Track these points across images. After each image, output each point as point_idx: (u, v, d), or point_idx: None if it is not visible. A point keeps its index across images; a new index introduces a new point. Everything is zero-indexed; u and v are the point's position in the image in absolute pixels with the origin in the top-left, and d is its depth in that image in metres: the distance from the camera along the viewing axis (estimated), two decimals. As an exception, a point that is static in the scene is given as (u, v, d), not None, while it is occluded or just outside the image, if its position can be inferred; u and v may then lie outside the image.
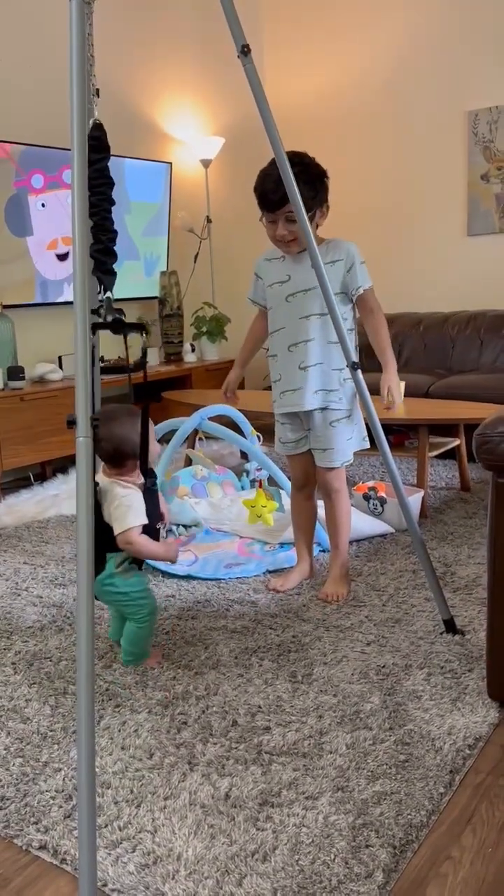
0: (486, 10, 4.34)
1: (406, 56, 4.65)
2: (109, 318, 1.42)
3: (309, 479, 2.46)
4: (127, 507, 1.87)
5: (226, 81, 4.94)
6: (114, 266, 1.55)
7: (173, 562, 2.05)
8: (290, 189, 1.85)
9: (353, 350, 2.12)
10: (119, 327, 1.48)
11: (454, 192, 4.61)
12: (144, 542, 1.90)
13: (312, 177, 2.11)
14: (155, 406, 4.29)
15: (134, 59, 4.64)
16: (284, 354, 2.31)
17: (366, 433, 2.40)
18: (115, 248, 1.56)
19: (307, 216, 1.99)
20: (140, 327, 1.57)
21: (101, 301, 1.46)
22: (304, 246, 2.15)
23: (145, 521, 1.89)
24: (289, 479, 2.87)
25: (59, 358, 4.04)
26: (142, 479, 1.92)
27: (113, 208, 1.57)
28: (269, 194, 2.11)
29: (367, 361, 2.30)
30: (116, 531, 1.87)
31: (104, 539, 1.84)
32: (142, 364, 1.71)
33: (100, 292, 1.50)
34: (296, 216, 1.92)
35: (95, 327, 1.44)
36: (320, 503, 2.55)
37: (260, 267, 2.36)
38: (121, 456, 1.90)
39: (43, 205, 4.03)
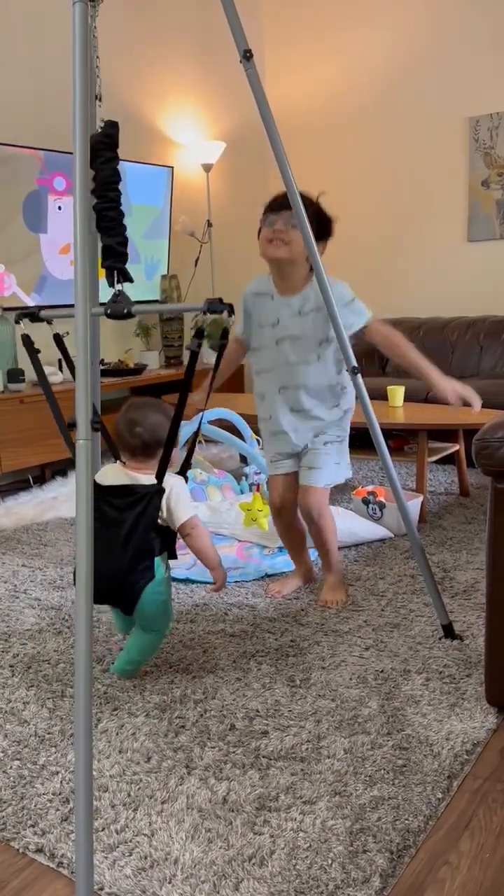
0: (486, 16, 4.35)
1: (407, 62, 4.66)
2: (127, 310, 1.39)
3: (289, 500, 2.37)
4: (185, 492, 1.82)
5: (227, 86, 4.95)
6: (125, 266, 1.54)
7: (219, 580, 1.95)
8: (293, 197, 1.85)
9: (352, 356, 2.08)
10: (218, 309, 1.46)
11: (455, 197, 4.62)
12: (208, 536, 1.87)
13: (317, 213, 2.11)
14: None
15: (136, 63, 4.65)
16: (275, 396, 2.29)
17: (348, 462, 2.38)
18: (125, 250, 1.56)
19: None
20: (228, 307, 1.52)
21: (118, 292, 1.42)
22: (291, 261, 2.13)
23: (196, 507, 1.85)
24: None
25: (59, 360, 4.04)
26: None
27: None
28: (279, 200, 2.10)
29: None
30: (182, 518, 1.81)
31: (144, 543, 1.77)
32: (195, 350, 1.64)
33: (119, 282, 1.46)
34: (299, 226, 1.92)
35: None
36: None
37: (249, 302, 2.30)
38: (155, 444, 1.81)
39: (60, 207, 4.04)
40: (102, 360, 4.27)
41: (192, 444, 2.14)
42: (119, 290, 1.42)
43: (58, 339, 1.80)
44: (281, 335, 2.23)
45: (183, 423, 1.80)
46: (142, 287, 4.76)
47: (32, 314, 1.66)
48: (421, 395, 3.91)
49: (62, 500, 3.58)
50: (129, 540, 1.76)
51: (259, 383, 2.35)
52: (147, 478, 1.80)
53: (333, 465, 2.31)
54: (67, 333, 1.81)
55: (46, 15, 3.97)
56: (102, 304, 1.38)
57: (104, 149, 1.53)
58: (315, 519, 2.30)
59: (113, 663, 2.00)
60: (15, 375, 3.72)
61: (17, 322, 1.72)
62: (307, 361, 2.22)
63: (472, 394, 2.19)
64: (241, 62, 1.72)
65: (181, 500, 1.82)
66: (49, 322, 1.68)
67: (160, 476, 1.79)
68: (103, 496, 1.75)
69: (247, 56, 1.71)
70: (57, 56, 3.96)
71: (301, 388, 2.25)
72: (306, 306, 2.18)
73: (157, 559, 1.82)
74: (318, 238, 2.10)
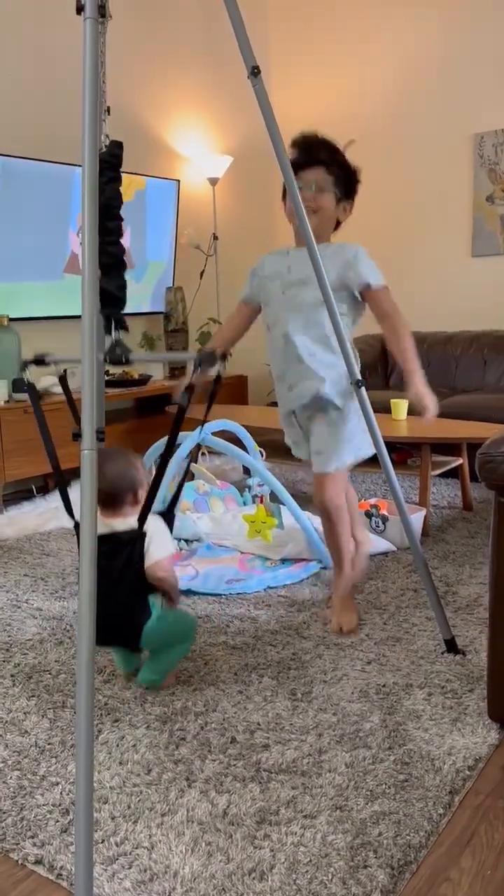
0: (492, 34, 4.39)
1: (413, 79, 4.70)
2: (125, 358, 1.45)
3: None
4: (161, 533, 1.84)
5: (234, 101, 4.99)
6: (121, 298, 1.58)
7: (175, 601, 1.96)
8: (297, 202, 1.86)
9: (356, 364, 2.05)
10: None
11: (459, 213, 4.65)
12: (174, 571, 1.89)
13: (349, 165, 2.12)
14: (157, 420, 4.32)
15: (144, 78, 4.70)
16: (280, 348, 2.19)
17: (371, 443, 2.18)
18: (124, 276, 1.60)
19: (336, 191, 2.10)
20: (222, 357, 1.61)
21: (116, 340, 1.48)
22: (320, 230, 2.10)
23: (174, 548, 1.87)
24: (292, 496, 2.89)
25: (65, 371, 4.06)
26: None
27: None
28: (307, 145, 2.09)
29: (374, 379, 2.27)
30: (153, 560, 1.82)
31: (135, 586, 1.80)
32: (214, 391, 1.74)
33: (117, 329, 1.52)
34: (324, 192, 1.99)
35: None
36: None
37: (261, 262, 2.26)
38: (119, 495, 1.85)
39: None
40: (107, 371, 4.29)
41: (194, 456, 2.15)
42: (117, 339, 1.46)
43: (63, 383, 1.86)
44: (291, 279, 2.15)
45: (184, 433, 1.81)
46: (147, 299, 4.78)
47: (39, 360, 1.72)
48: (424, 408, 3.92)
49: (65, 511, 3.57)
50: (120, 586, 1.79)
51: (270, 341, 2.24)
52: (122, 524, 1.84)
53: (344, 442, 2.16)
54: (73, 373, 1.86)
55: (52, 28, 4.01)
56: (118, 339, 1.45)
57: (108, 168, 1.55)
58: (328, 512, 2.21)
59: (115, 674, 2.00)
60: (19, 385, 3.74)
61: (22, 370, 1.77)
62: (316, 303, 2.04)
63: (430, 402, 2.15)
64: (248, 78, 1.74)
65: (154, 542, 1.83)
66: (56, 364, 1.73)
67: (141, 521, 1.81)
68: None
69: (255, 72, 1.73)
70: (56, 68, 4.00)
71: (305, 334, 2.12)
72: (322, 254, 1.97)
73: (151, 597, 1.86)
74: (347, 196, 2.14)
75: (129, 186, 4.47)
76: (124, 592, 1.81)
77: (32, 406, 1.80)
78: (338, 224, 2.22)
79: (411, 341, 2.13)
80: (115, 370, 4.50)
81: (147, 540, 1.83)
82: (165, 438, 1.86)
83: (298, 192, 1.97)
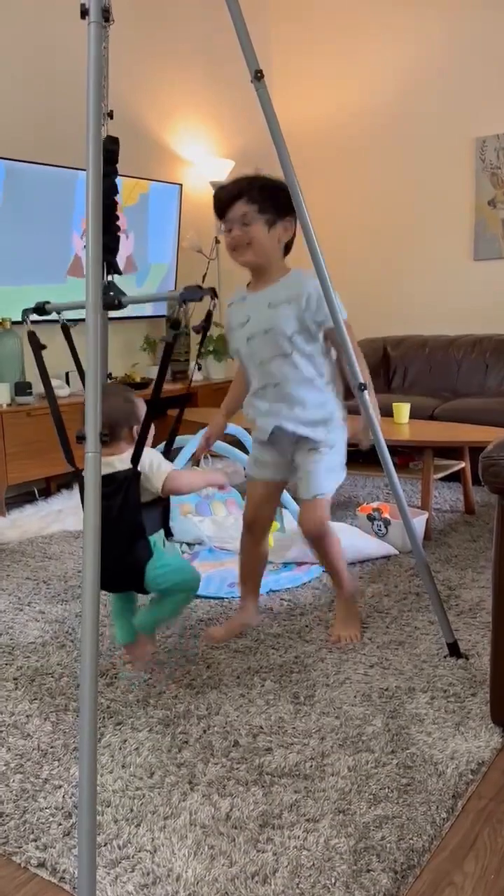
0: (494, 38, 4.40)
1: (414, 83, 4.71)
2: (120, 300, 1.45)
3: (260, 517, 2.26)
4: (156, 458, 1.86)
5: (236, 105, 5.01)
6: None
7: (222, 485, 2.03)
8: (299, 206, 1.86)
9: (358, 372, 1.99)
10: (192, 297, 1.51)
11: (461, 216, 4.65)
12: (186, 475, 1.91)
13: (267, 185, 1.98)
14: (160, 424, 4.31)
15: (146, 82, 4.71)
16: (252, 397, 2.15)
17: (343, 462, 2.18)
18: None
19: (263, 220, 1.98)
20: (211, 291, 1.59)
21: (108, 282, 1.49)
22: (260, 260, 2.03)
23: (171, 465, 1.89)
24: (293, 499, 2.88)
25: (67, 374, 4.06)
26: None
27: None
28: (219, 197, 2.02)
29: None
30: (160, 481, 1.84)
31: (134, 524, 1.81)
32: (205, 326, 1.71)
33: (109, 273, 1.54)
34: (252, 224, 1.94)
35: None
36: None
37: (227, 316, 2.19)
38: (114, 427, 1.83)
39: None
40: (110, 374, 4.29)
41: (196, 459, 2.15)
42: (109, 281, 1.47)
43: (65, 329, 1.85)
44: (251, 332, 2.07)
45: (188, 437, 1.82)
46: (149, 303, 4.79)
47: (40, 308, 1.71)
48: (427, 412, 3.92)
49: (67, 513, 3.58)
50: (119, 525, 1.80)
51: (251, 385, 2.19)
52: (120, 461, 1.84)
53: (323, 472, 2.10)
54: (76, 324, 1.84)
55: (55, 32, 4.02)
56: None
57: (104, 163, 1.57)
58: (316, 538, 2.14)
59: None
60: (22, 388, 3.74)
61: (23, 319, 1.76)
62: (281, 355, 2.03)
63: (363, 438, 2.10)
64: (251, 82, 1.74)
65: (153, 469, 1.85)
66: (58, 312, 1.72)
67: (135, 460, 1.81)
68: None
69: (258, 76, 1.73)
70: (59, 72, 4.01)
71: (277, 385, 2.07)
72: (277, 298, 2.02)
73: (153, 537, 1.87)
74: (282, 214, 2.00)
75: (133, 190, 4.48)
76: (125, 531, 1.81)
77: (34, 356, 1.79)
78: (287, 247, 2.08)
79: (368, 377, 2.03)
80: (118, 373, 4.51)
81: (145, 470, 1.83)
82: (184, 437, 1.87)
83: (225, 236, 2.02)
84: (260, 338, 2.06)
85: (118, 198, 1.62)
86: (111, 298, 1.45)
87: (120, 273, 1.61)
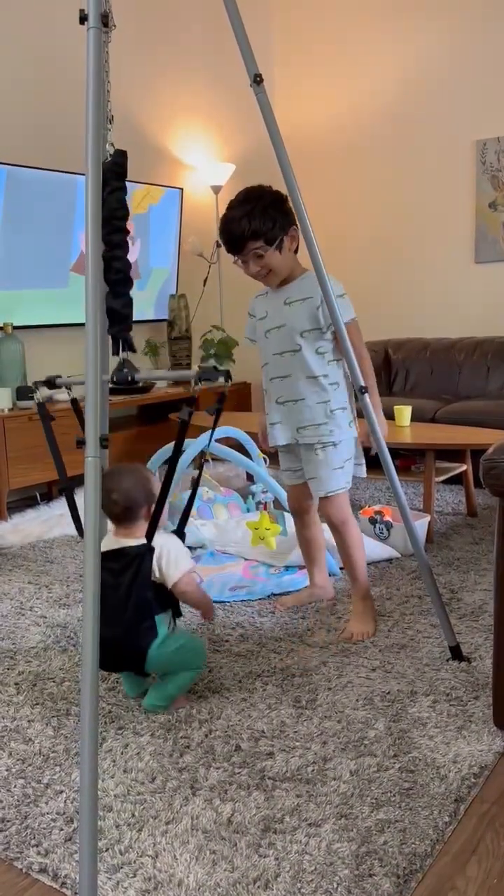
0: (494, 41, 4.40)
1: (415, 86, 4.72)
2: (132, 377, 1.46)
3: (301, 508, 2.48)
4: (177, 551, 1.83)
5: (237, 109, 5.01)
6: (127, 310, 1.59)
7: (210, 616, 1.99)
8: (300, 210, 1.87)
9: (359, 375, 2.07)
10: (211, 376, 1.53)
11: (462, 219, 4.65)
12: (200, 588, 1.89)
13: (265, 207, 2.09)
14: (161, 427, 4.32)
15: (147, 87, 4.72)
16: (268, 389, 2.32)
17: (363, 461, 2.35)
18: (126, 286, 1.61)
19: (273, 247, 2.10)
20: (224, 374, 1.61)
21: (123, 361, 1.50)
22: (283, 277, 2.20)
23: (191, 563, 1.86)
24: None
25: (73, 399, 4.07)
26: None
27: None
28: (230, 240, 2.14)
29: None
30: (175, 578, 1.81)
31: (143, 603, 1.78)
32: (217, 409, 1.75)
33: (124, 350, 1.54)
34: (265, 255, 2.04)
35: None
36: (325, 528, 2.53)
37: (252, 304, 2.37)
38: (134, 507, 1.83)
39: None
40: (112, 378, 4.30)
41: (198, 463, 2.16)
42: (124, 359, 1.47)
43: (74, 404, 1.87)
44: (269, 326, 2.26)
45: (189, 441, 1.82)
46: (151, 306, 4.80)
47: (50, 382, 1.73)
48: (428, 414, 3.92)
49: (69, 518, 3.57)
50: (128, 601, 1.77)
51: (263, 378, 2.36)
52: (133, 541, 1.82)
53: (332, 470, 2.24)
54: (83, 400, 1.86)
55: (57, 37, 4.04)
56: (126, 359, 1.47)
57: (113, 178, 1.56)
58: (336, 527, 2.30)
59: (118, 682, 1.99)
60: (24, 393, 3.74)
61: (33, 392, 1.78)
62: (291, 350, 2.21)
63: (366, 441, 2.21)
64: (251, 86, 1.75)
65: (171, 560, 1.82)
66: (69, 388, 1.74)
67: (150, 535, 1.80)
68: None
69: (257, 80, 1.74)
70: (60, 77, 4.02)
71: (286, 378, 2.24)
72: (292, 296, 2.20)
73: (158, 617, 1.82)
74: (285, 228, 2.12)
75: (144, 199, 4.51)
76: (132, 610, 1.77)
77: (43, 426, 1.81)
78: (297, 249, 2.20)
79: (374, 379, 2.19)
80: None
81: (159, 558, 1.81)
82: (171, 444, 1.86)
83: (244, 267, 2.18)
84: (275, 332, 2.24)
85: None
86: (124, 376, 1.46)
87: (135, 351, 1.59)
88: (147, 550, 1.79)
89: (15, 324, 3.88)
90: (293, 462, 2.40)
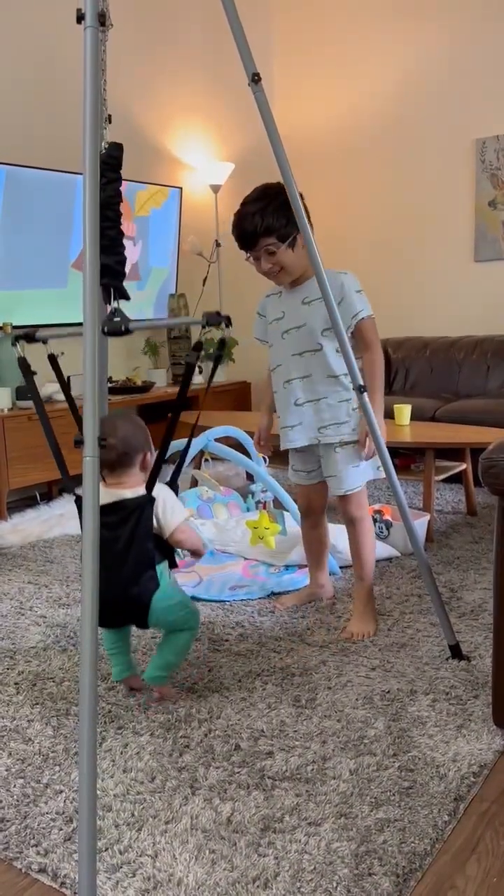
0: (494, 40, 4.40)
1: (414, 85, 4.71)
2: (125, 327, 1.42)
3: (311, 509, 2.47)
4: (173, 500, 1.83)
5: (236, 108, 5.01)
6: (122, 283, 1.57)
7: (201, 553, 1.99)
8: (300, 217, 1.86)
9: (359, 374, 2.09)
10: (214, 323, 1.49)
11: (461, 218, 4.65)
12: (195, 533, 1.89)
13: (279, 204, 2.07)
14: (161, 427, 4.30)
15: (145, 86, 4.72)
16: (281, 391, 2.30)
17: (380, 462, 2.33)
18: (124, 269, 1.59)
19: (285, 245, 2.10)
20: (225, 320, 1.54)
21: (115, 309, 1.46)
22: (295, 275, 2.20)
23: (185, 511, 1.86)
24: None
25: (69, 378, 4.06)
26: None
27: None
28: (242, 235, 2.15)
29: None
30: (174, 525, 1.82)
31: (144, 553, 1.78)
32: (218, 356, 1.68)
33: (114, 302, 1.51)
34: (278, 251, 2.02)
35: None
36: (339, 527, 2.54)
37: (262, 304, 2.36)
38: (131, 453, 1.82)
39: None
40: (110, 377, 4.30)
41: (197, 462, 2.15)
42: (116, 308, 1.45)
43: (52, 360, 1.83)
44: (287, 326, 2.25)
45: (182, 441, 1.81)
46: (150, 306, 4.80)
47: (29, 335, 1.70)
48: (428, 413, 3.92)
49: (68, 517, 3.58)
50: (128, 553, 1.76)
51: (273, 380, 2.36)
52: (130, 492, 1.81)
53: (351, 468, 2.26)
54: (62, 353, 1.84)
55: (55, 37, 4.03)
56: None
57: (108, 170, 1.56)
58: (350, 523, 2.33)
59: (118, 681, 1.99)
60: (24, 393, 3.75)
61: (13, 345, 1.75)
62: (312, 350, 2.21)
63: (368, 450, 2.23)
64: (249, 85, 1.75)
65: (168, 509, 1.82)
66: (44, 342, 1.72)
67: (150, 486, 1.79)
68: None
69: (255, 79, 1.73)
70: (59, 77, 4.02)
71: (305, 378, 2.24)
72: (310, 295, 2.19)
73: (158, 567, 1.82)
74: (294, 228, 2.10)
75: (147, 203, 4.52)
76: (132, 561, 1.77)
77: (25, 381, 1.78)
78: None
79: (381, 378, 2.23)
80: (118, 377, 4.51)
81: (159, 506, 1.80)
82: (174, 441, 1.85)
83: (255, 264, 2.19)
84: (294, 332, 2.24)
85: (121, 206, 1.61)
86: (117, 324, 1.40)
87: (128, 298, 1.55)
88: (149, 501, 1.78)
89: (14, 323, 3.88)
90: (308, 463, 2.39)
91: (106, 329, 1.40)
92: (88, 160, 1.33)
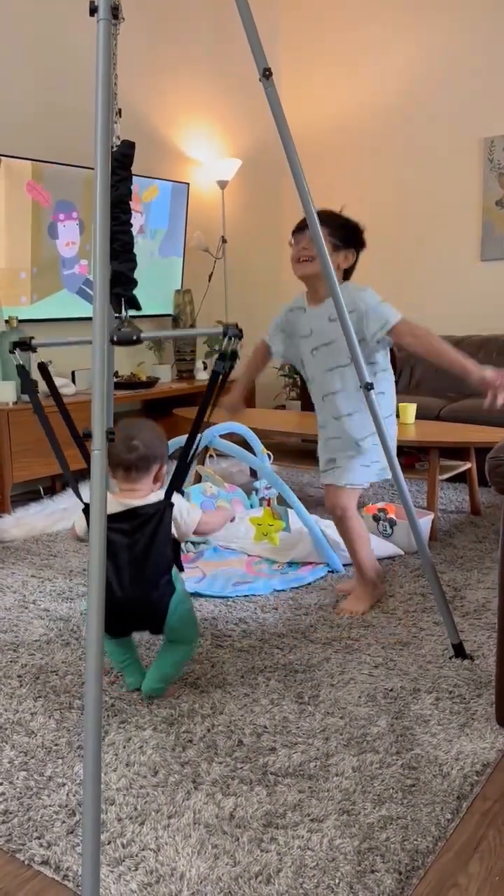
0: (501, 38, 4.39)
1: (422, 83, 4.70)
2: (135, 336, 1.41)
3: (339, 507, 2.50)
4: (186, 504, 1.86)
5: (243, 104, 5.00)
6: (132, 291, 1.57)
7: (233, 517, 2.05)
8: (311, 217, 1.86)
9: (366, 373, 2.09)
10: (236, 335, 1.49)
11: (468, 217, 4.64)
12: (215, 516, 1.94)
13: (342, 223, 2.23)
14: (166, 422, 4.31)
15: (154, 81, 4.71)
16: (320, 404, 2.38)
17: (386, 464, 2.34)
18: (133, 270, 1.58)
19: (332, 243, 2.16)
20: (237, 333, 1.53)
21: (125, 319, 1.46)
22: (315, 271, 2.18)
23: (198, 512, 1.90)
24: (300, 499, 2.88)
25: (73, 373, 4.06)
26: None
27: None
28: (303, 221, 2.18)
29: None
30: (191, 527, 1.85)
31: (162, 558, 1.79)
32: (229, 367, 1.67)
33: (126, 309, 1.51)
34: (316, 250, 1.97)
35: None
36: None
37: (284, 319, 2.42)
38: (150, 459, 1.82)
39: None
40: (116, 372, 4.30)
41: (202, 458, 2.15)
42: (126, 317, 1.44)
43: (42, 368, 1.84)
44: (315, 343, 2.31)
45: (181, 439, 1.82)
46: (156, 302, 4.79)
47: (25, 344, 1.72)
48: (433, 412, 3.91)
49: (72, 511, 3.58)
50: (147, 558, 1.77)
51: (311, 391, 2.44)
52: (140, 502, 1.81)
53: (359, 465, 2.33)
54: (51, 362, 1.84)
55: (65, 32, 4.03)
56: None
57: (120, 167, 1.56)
58: (338, 519, 2.38)
59: (122, 675, 1.99)
60: (27, 386, 3.74)
61: (11, 352, 1.76)
62: (341, 364, 2.27)
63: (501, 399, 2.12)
64: (260, 80, 1.74)
65: (185, 510, 1.85)
66: (34, 350, 1.72)
67: (170, 492, 1.81)
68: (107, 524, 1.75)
69: (266, 74, 1.73)
70: (66, 70, 4.02)
71: (338, 392, 2.31)
72: (330, 312, 2.21)
73: (175, 576, 1.84)
74: (347, 245, 2.25)
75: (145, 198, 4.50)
76: (152, 564, 1.78)
77: (23, 386, 1.79)
78: (346, 274, 2.32)
79: (450, 350, 2.19)
80: (123, 372, 4.51)
81: (176, 510, 1.82)
82: (180, 437, 1.86)
83: (294, 248, 2.26)
84: (324, 349, 2.30)
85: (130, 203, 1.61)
86: (127, 334, 1.39)
87: (139, 308, 1.54)
88: (168, 506, 1.80)
89: (20, 318, 3.87)
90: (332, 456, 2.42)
91: (115, 339, 1.39)
92: (100, 152, 1.33)
